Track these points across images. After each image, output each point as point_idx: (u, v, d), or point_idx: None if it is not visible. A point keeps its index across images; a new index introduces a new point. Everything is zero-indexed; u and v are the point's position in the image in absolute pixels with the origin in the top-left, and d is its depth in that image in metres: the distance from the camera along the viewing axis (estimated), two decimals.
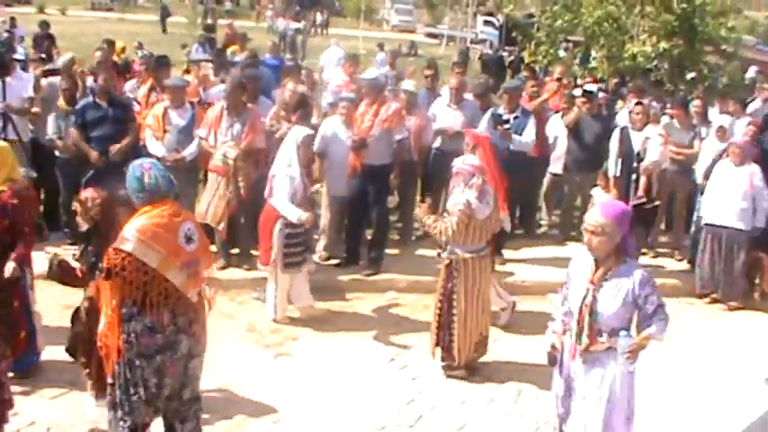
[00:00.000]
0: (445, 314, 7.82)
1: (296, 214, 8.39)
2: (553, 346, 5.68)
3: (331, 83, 13.90)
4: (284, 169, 8.52)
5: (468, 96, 11.44)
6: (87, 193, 6.37)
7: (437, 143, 11.14)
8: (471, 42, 46.36)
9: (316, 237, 10.14)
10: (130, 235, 5.15)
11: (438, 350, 7.94)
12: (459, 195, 7.61)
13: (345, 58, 14.95)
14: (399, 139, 10.20)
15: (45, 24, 25.25)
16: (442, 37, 51.55)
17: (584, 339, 5.41)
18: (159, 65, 11.64)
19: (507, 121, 10.25)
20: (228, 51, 17.61)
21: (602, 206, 5.54)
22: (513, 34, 21.10)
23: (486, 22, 51.39)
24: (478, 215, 7.57)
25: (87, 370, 6.57)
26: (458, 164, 7.80)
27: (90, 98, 10.33)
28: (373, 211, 10.20)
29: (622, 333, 5.32)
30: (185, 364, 5.50)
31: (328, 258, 10.44)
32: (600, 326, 5.39)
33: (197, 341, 5.56)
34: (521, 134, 10.35)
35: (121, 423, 5.42)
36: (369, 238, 10.61)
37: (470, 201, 7.51)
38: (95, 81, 10.96)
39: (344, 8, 66.09)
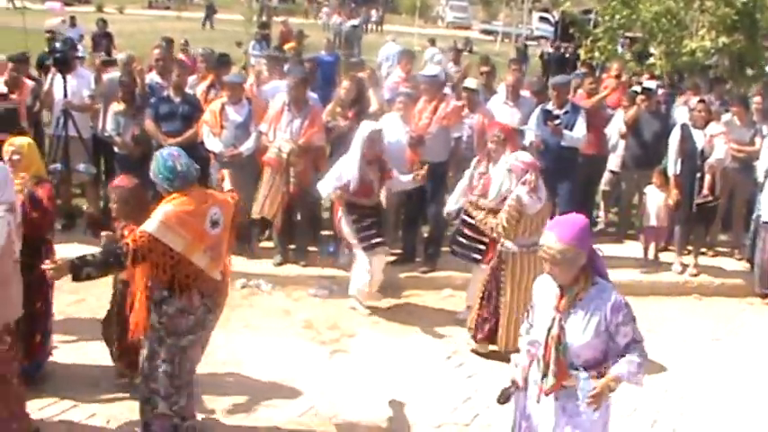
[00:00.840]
0: (488, 296, 8.03)
1: (324, 190, 8.97)
2: (513, 382, 4.96)
3: (388, 79, 13.89)
4: (345, 159, 8.82)
5: (525, 93, 11.38)
6: (119, 181, 6.48)
7: None
8: (527, 39, 46.13)
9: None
10: (156, 219, 5.26)
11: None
12: (511, 190, 7.77)
13: (401, 54, 14.89)
14: (458, 137, 10.17)
15: (103, 23, 25.48)
16: (497, 34, 51.37)
17: (551, 379, 4.68)
18: (220, 63, 11.70)
19: (558, 117, 10.18)
20: (285, 48, 17.63)
21: (557, 228, 4.61)
22: (570, 31, 20.77)
23: (542, 19, 51.21)
24: (529, 210, 7.64)
25: (111, 348, 6.83)
26: (510, 160, 7.84)
27: (164, 92, 10.57)
28: (430, 207, 10.16)
29: (582, 375, 4.63)
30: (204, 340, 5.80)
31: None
32: (571, 359, 4.64)
33: (216, 318, 5.81)
34: (571, 130, 10.26)
35: (150, 396, 5.67)
36: (425, 234, 10.60)
37: (521, 197, 7.63)
38: (162, 77, 11.24)
39: (399, 5, 66.10)
